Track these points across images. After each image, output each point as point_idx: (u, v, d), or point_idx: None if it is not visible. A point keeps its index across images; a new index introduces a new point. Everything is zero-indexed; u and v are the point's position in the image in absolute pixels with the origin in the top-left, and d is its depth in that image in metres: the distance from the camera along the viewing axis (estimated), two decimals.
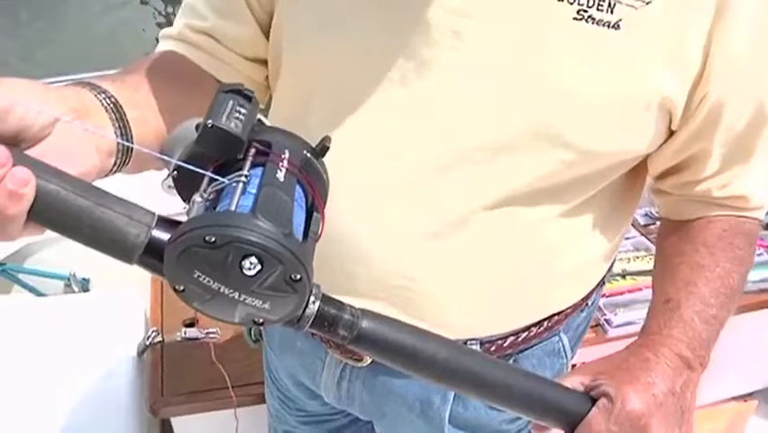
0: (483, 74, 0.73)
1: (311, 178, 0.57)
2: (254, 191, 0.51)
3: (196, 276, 0.50)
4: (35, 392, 1.60)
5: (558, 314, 0.92)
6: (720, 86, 0.74)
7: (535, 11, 0.70)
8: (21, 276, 2.03)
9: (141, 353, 1.74)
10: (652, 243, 2.01)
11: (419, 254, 0.82)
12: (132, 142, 0.67)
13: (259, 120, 0.57)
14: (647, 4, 0.69)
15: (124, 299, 1.88)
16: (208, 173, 0.53)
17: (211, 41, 0.86)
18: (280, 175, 0.53)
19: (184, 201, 0.55)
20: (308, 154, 0.57)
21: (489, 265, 0.84)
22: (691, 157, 0.83)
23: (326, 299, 0.57)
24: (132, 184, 0.69)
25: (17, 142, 0.54)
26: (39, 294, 2.05)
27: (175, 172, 0.55)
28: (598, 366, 0.78)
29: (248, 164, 0.53)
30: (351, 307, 0.59)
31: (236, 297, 0.50)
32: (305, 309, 0.55)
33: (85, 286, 2.09)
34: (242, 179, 0.52)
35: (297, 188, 0.55)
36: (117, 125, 0.66)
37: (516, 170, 0.77)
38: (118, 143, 0.65)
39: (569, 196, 0.82)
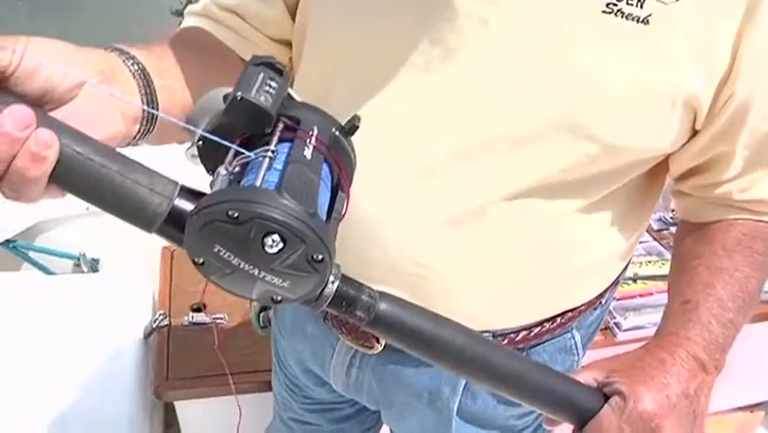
0: (509, 63, 0.72)
1: (338, 156, 0.56)
2: (280, 167, 0.50)
3: (216, 250, 0.49)
4: (40, 370, 1.61)
5: (572, 310, 0.92)
6: (747, 86, 0.73)
7: (565, 2, 0.70)
8: (31, 254, 2.03)
9: (147, 335, 1.74)
10: (665, 248, 2.00)
11: (435, 242, 0.81)
12: (159, 110, 0.66)
13: (288, 95, 0.56)
14: (677, 0, 0.68)
15: (133, 281, 1.88)
16: (234, 146, 0.52)
17: (236, 19, 0.86)
18: (307, 152, 0.52)
19: (208, 172, 0.55)
20: (337, 132, 0.56)
21: (504, 257, 0.83)
22: (713, 158, 0.82)
23: (345, 280, 0.57)
24: (156, 155, 0.69)
25: (42, 104, 0.54)
26: (48, 272, 2.05)
27: (200, 142, 0.54)
28: (612, 363, 0.77)
29: (275, 139, 0.52)
30: (369, 288, 0.58)
31: (256, 273, 0.49)
32: (323, 289, 0.54)
33: (94, 266, 2.09)
34: (269, 154, 0.51)
35: (324, 166, 0.54)
36: (144, 92, 0.65)
37: (538, 162, 0.76)
38: (143, 110, 0.64)
39: (589, 191, 0.81)
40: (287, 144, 0.52)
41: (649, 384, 0.74)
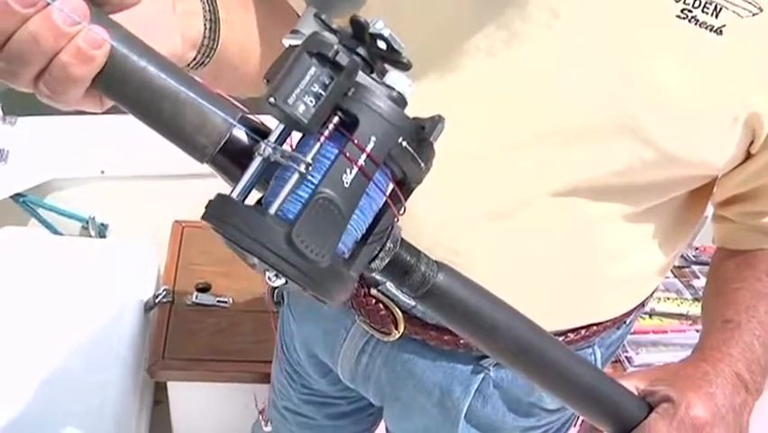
0: (575, 56, 0.70)
1: (400, 167, 0.48)
2: (306, 196, 0.44)
3: (231, 244, 0.45)
4: (34, 328, 1.58)
5: (597, 325, 0.90)
6: None
7: (639, 2, 0.68)
8: (40, 211, 2.00)
9: (148, 309, 1.72)
10: (684, 286, 1.98)
11: (472, 231, 0.80)
12: (218, 42, 0.64)
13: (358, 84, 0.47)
14: (753, 15, 0.66)
15: (140, 252, 1.85)
16: (274, 134, 0.46)
17: None
18: (347, 178, 0.45)
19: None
20: (404, 143, 0.47)
21: (540, 256, 0.82)
22: (763, 186, 0.80)
23: (405, 245, 0.52)
24: None
25: (102, 3, 0.49)
26: (55, 232, 2.02)
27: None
28: (654, 373, 0.76)
29: (322, 139, 0.45)
30: (427, 257, 0.55)
31: (273, 273, 0.46)
32: (378, 253, 0.50)
33: (102, 232, 2.05)
34: (301, 168, 0.44)
35: (380, 176, 0.47)
36: (208, 17, 0.62)
37: (591, 160, 0.74)
38: (204, 38, 0.62)
39: (635, 199, 0.79)
40: (333, 152, 0.45)
41: (698, 392, 0.72)
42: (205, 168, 0.50)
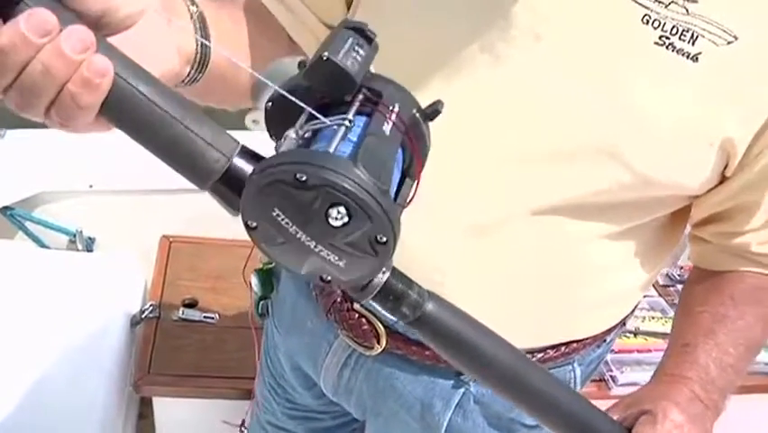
0: (555, 79, 0.72)
1: (415, 139, 0.52)
2: (355, 140, 0.47)
3: (274, 214, 0.45)
4: (19, 342, 1.57)
5: (577, 342, 0.92)
6: None
7: (619, 29, 0.70)
8: (27, 224, 1.99)
9: (134, 324, 1.71)
10: (669, 305, 2.00)
11: (455, 248, 0.81)
12: (210, 57, 0.65)
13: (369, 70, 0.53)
14: (729, 43, 0.68)
15: (127, 267, 1.84)
16: (309, 108, 0.48)
17: None
18: (386, 128, 0.49)
19: (272, 137, 0.51)
20: (417, 114, 0.52)
21: (522, 274, 0.83)
22: (737, 207, 0.82)
23: (396, 273, 0.54)
24: None
25: (99, 27, 0.50)
26: (42, 245, 2.01)
27: (270, 103, 0.51)
28: (622, 403, 0.80)
29: (353, 110, 0.49)
30: (419, 286, 0.56)
31: (312, 246, 0.46)
32: (372, 279, 0.51)
33: (89, 246, 2.04)
34: (346, 123, 0.47)
35: (399, 148, 0.51)
36: (199, 34, 0.64)
37: (571, 181, 0.76)
38: (197, 53, 0.63)
39: (615, 219, 0.81)
40: (364, 118, 0.49)
41: (669, 401, 0.77)
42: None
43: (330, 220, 0.44)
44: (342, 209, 0.44)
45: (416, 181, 0.54)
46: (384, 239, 0.46)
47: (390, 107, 0.50)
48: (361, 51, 0.50)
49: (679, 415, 0.76)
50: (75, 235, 2.02)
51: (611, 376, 1.74)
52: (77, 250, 2.03)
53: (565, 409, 0.64)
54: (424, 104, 0.56)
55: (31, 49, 0.45)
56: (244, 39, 0.74)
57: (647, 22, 0.68)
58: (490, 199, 0.78)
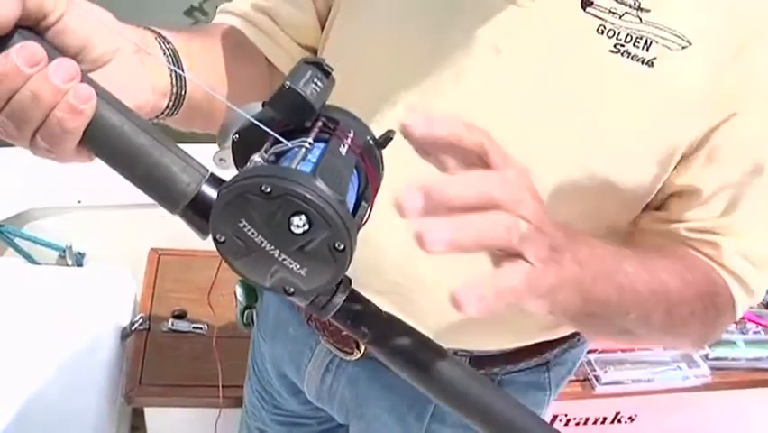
0: (515, 91, 0.75)
1: (369, 165, 0.57)
2: (315, 160, 0.51)
3: (241, 225, 0.49)
4: (10, 357, 1.58)
5: (550, 343, 0.94)
6: (723, 135, 0.74)
7: (575, 40, 0.72)
8: (17, 240, 2.00)
9: (125, 336, 1.73)
10: None
11: (427, 255, 0.81)
12: (186, 90, 0.68)
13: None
14: (683, 48, 0.71)
15: (116, 280, 1.86)
16: (274, 133, 0.53)
17: (268, 21, 0.87)
18: (343, 150, 0.53)
19: (238, 168, 0.55)
20: (371, 141, 0.57)
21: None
22: (675, 194, 0.80)
23: (354, 294, 0.57)
24: None
25: (77, 61, 0.54)
26: (32, 261, 2.03)
27: (237, 136, 0.55)
28: None
29: (313, 135, 0.53)
30: (377, 307, 0.59)
31: (276, 255, 0.50)
32: (331, 298, 0.55)
33: (79, 260, 2.06)
34: (306, 144, 0.52)
35: (354, 171, 0.55)
36: (173, 73, 0.67)
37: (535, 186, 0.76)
38: (172, 87, 0.66)
39: (579, 224, 0.78)
40: (323, 143, 0.54)
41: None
42: None
43: (292, 228, 0.48)
44: (303, 217, 0.48)
45: (371, 204, 0.57)
46: (342, 246, 0.49)
47: (346, 133, 0.55)
48: (320, 83, 0.54)
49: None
50: (64, 251, 2.03)
51: (594, 376, 1.76)
52: (67, 265, 2.04)
53: (512, 422, 0.64)
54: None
55: (21, 78, 0.49)
56: (220, 67, 0.77)
57: (602, 32, 0.71)
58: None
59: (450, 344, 0.87)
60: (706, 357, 1.87)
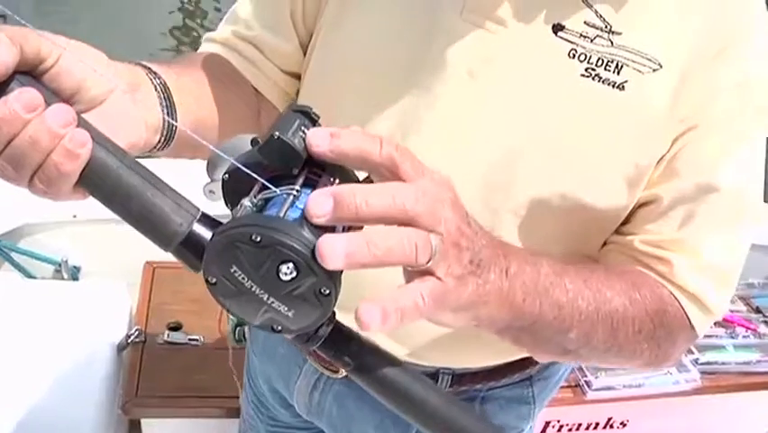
0: (489, 115, 0.76)
1: None
2: (302, 207, 0.53)
3: (232, 271, 0.51)
4: (9, 372, 1.60)
5: (532, 358, 0.93)
6: (683, 146, 0.76)
7: (547, 64, 0.73)
8: (13, 255, 2.02)
9: (121, 349, 1.74)
10: None
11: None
12: (178, 125, 0.69)
13: None
14: (654, 71, 0.72)
15: (112, 293, 1.87)
16: (263, 180, 0.55)
17: (254, 50, 0.89)
18: None
19: (227, 205, 0.58)
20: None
21: None
22: (636, 206, 0.80)
23: (338, 326, 0.59)
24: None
25: (71, 103, 0.56)
26: (28, 275, 2.04)
27: (227, 175, 0.57)
28: None
29: (300, 181, 0.55)
30: (360, 337, 0.60)
31: (265, 298, 0.52)
32: (316, 331, 0.57)
33: (75, 274, 2.07)
34: (294, 192, 0.54)
35: None
36: (164, 105, 0.68)
37: (504, 210, 0.78)
38: (164, 122, 0.67)
39: (555, 247, 0.81)
40: (310, 189, 0.55)
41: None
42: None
43: (280, 275, 0.50)
44: (290, 266, 0.50)
45: None
46: (327, 291, 0.51)
47: (331, 179, 0.57)
48: (307, 131, 0.56)
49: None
50: (60, 265, 2.04)
51: (586, 381, 1.77)
52: (63, 279, 2.05)
53: None
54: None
55: (20, 123, 0.51)
56: (209, 98, 0.79)
57: (573, 56, 0.72)
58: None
59: (431, 362, 0.90)
60: (696, 362, 1.89)
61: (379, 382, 0.61)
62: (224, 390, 1.61)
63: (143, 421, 1.68)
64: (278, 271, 0.50)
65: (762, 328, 2.03)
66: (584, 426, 1.88)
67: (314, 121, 0.58)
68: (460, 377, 0.94)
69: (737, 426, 2.05)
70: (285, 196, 0.54)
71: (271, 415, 1.21)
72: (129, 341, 1.73)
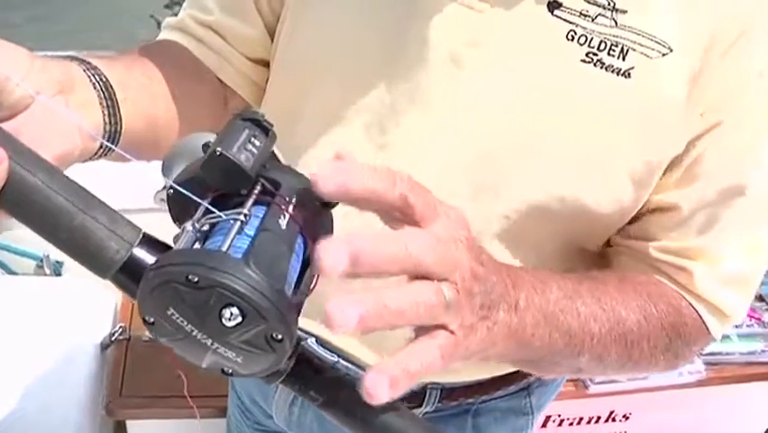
0: (479, 107, 0.69)
1: (315, 229, 0.51)
2: (251, 233, 0.46)
3: (169, 313, 0.44)
4: None
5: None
6: (705, 145, 0.69)
7: (543, 49, 0.66)
8: None
9: (105, 347, 1.69)
10: None
11: (390, 286, 0.77)
12: (121, 125, 0.62)
13: (273, 154, 0.52)
14: (663, 55, 0.65)
15: (95, 290, 1.82)
16: (205, 203, 0.48)
17: (215, 37, 0.82)
18: (282, 222, 0.48)
19: (174, 221, 0.51)
20: (317, 204, 0.51)
21: None
22: (652, 211, 0.75)
23: (304, 356, 0.52)
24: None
25: None
26: (9, 271, 2.00)
27: (170, 190, 0.50)
28: None
29: (251, 201, 0.48)
30: (331, 368, 0.54)
31: (208, 344, 0.45)
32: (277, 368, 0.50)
33: (57, 270, 2.02)
34: (241, 217, 0.47)
35: (299, 238, 0.50)
36: (105, 104, 0.61)
37: (498, 211, 0.72)
38: (105, 124, 0.60)
39: (551, 246, 0.77)
40: (262, 208, 0.48)
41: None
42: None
43: (224, 320, 0.43)
44: (234, 310, 0.43)
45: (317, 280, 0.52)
46: (279, 336, 0.45)
47: (288, 198, 0.49)
48: (257, 143, 0.49)
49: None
50: (42, 260, 2.00)
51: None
52: (46, 274, 2.00)
53: None
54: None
55: None
56: (164, 92, 0.72)
57: (572, 38, 0.65)
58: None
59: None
60: (700, 353, 1.85)
61: (352, 417, 0.54)
62: (213, 389, 1.56)
63: (129, 423, 1.65)
64: (220, 316, 0.43)
65: (766, 317, 1.99)
66: (586, 420, 1.85)
67: (266, 131, 0.51)
68: (450, 391, 0.88)
69: (743, 417, 2.03)
70: (231, 222, 0.47)
71: (257, 420, 1.16)
72: (113, 339, 1.68)
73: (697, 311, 0.74)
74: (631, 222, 0.76)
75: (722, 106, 0.67)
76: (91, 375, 1.62)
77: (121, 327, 1.69)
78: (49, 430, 1.48)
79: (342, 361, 0.84)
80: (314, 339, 0.84)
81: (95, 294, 1.81)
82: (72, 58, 0.61)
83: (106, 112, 0.61)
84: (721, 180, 0.70)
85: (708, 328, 0.74)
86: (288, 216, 0.48)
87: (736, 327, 1.95)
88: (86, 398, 1.57)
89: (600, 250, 0.81)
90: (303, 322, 0.79)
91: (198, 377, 1.60)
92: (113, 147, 0.60)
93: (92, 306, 1.78)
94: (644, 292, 0.71)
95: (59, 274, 2.02)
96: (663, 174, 0.71)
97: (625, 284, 0.71)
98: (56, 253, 2.02)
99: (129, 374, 1.61)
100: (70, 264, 2.04)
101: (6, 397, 1.49)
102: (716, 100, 0.67)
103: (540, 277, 0.60)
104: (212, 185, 0.48)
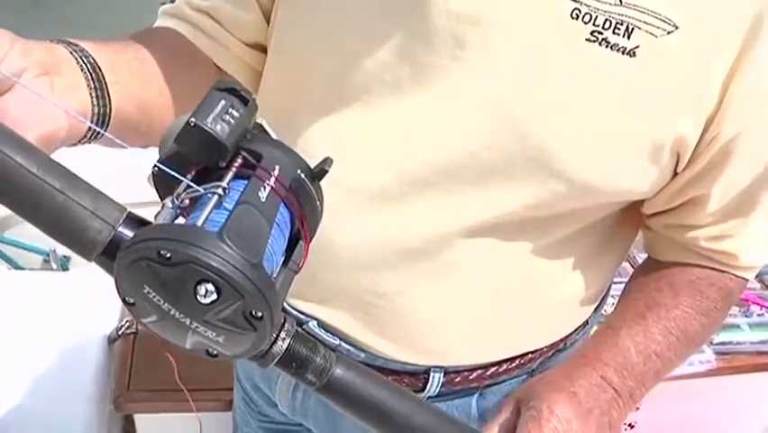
0: (482, 88, 0.68)
1: (301, 202, 0.50)
2: (230, 207, 0.45)
3: (146, 292, 0.44)
4: None
5: (533, 352, 0.88)
6: (733, 128, 0.69)
7: (546, 28, 0.65)
8: (0, 246, 1.97)
9: (112, 341, 1.69)
10: None
11: (391, 270, 0.77)
12: (111, 107, 0.61)
13: (260, 126, 0.51)
14: (669, 33, 0.64)
15: (102, 284, 1.78)
16: (184, 179, 0.47)
17: (211, 21, 0.81)
18: (263, 194, 0.47)
19: (162, 200, 0.50)
20: (302, 175, 0.50)
21: (464, 292, 0.79)
22: (687, 201, 0.77)
23: (299, 337, 0.51)
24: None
25: None
26: (16, 267, 2.00)
27: (156, 168, 0.49)
28: (516, 394, 0.75)
29: (230, 174, 0.47)
30: (326, 350, 0.53)
31: (187, 323, 0.44)
32: (272, 346, 0.49)
33: (64, 264, 2.03)
34: (219, 191, 0.46)
35: (283, 210, 0.49)
36: (93, 86, 0.60)
37: (504, 196, 0.72)
38: (93, 106, 0.59)
39: (557, 229, 0.77)
40: (243, 182, 0.47)
41: (560, 393, 0.71)
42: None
43: (198, 297, 0.42)
44: (209, 286, 0.42)
45: (306, 244, 0.52)
46: (260, 314, 0.44)
47: (270, 171, 0.48)
48: (235, 113, 0.48)
49: (567, 408, 0.69)
50: (49, 255, 2.00)
51: None
52: (52, 269, 2.01)
53: None
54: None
55: None
56: (157, 77, 0.71)
57: (577, 17, 0.64)
58: (419, 220, 0.74)
59: (420, 359, 0.84)
60: (710, 342, 1.83)
61: (352, 401, 0.54)
62: (220, 382, 1.55)
63: (137, 417, 1.64)
64: (195, 293, 0.42)
65: None
66: None
67: (244, 101, 0.49)
68: (453, 375, 0.87)
69: (754, 407, 2.01)
70: (209, 195, 0.46)
71: (261, 411, 1.16)
72: (120, 333, 1.68)
73: (742, 279, 0.83)
74: (668, 211, 0.78)
75: (751, 92, 0.67)
76: (99, 370, 1.62)
77: (128, 321, 1.68)
78: (57, 425, 1.48)
79: (343, 344, 0.84)
80: (315, 322, 0.84)
81: (101, 289, 1.80)
82: (59, 40, 0.60)
83: (94, 94, 0.60)
84: (757, 165, 0.72)
85: (745, 282, 0.84)
86: (268, 187, 0.47)
87: (747, 316, 1.93)
88: (94, 392, 1.57)
89: (630, 229, 0.85)
90: (304, 305, 0.80)
91: (204, 371, 1.60)
92: (96, 128, 0.59)
93: (99, 300, 1.77)
94: (695, 291, 0.80)
95: (65, 269, 2.03)
96: (689, 162, 0.72)
97: (678, 292, 0.80)
98: (63, 248, 2.01)
99: (136, 368, 1.60)
100: (77, 259, 2.03)
101: (14, 392, 1.49)
102: (744, 86, 0.67)
103: (617, 350, 0.76)
104: (191, 159, 0.47)
